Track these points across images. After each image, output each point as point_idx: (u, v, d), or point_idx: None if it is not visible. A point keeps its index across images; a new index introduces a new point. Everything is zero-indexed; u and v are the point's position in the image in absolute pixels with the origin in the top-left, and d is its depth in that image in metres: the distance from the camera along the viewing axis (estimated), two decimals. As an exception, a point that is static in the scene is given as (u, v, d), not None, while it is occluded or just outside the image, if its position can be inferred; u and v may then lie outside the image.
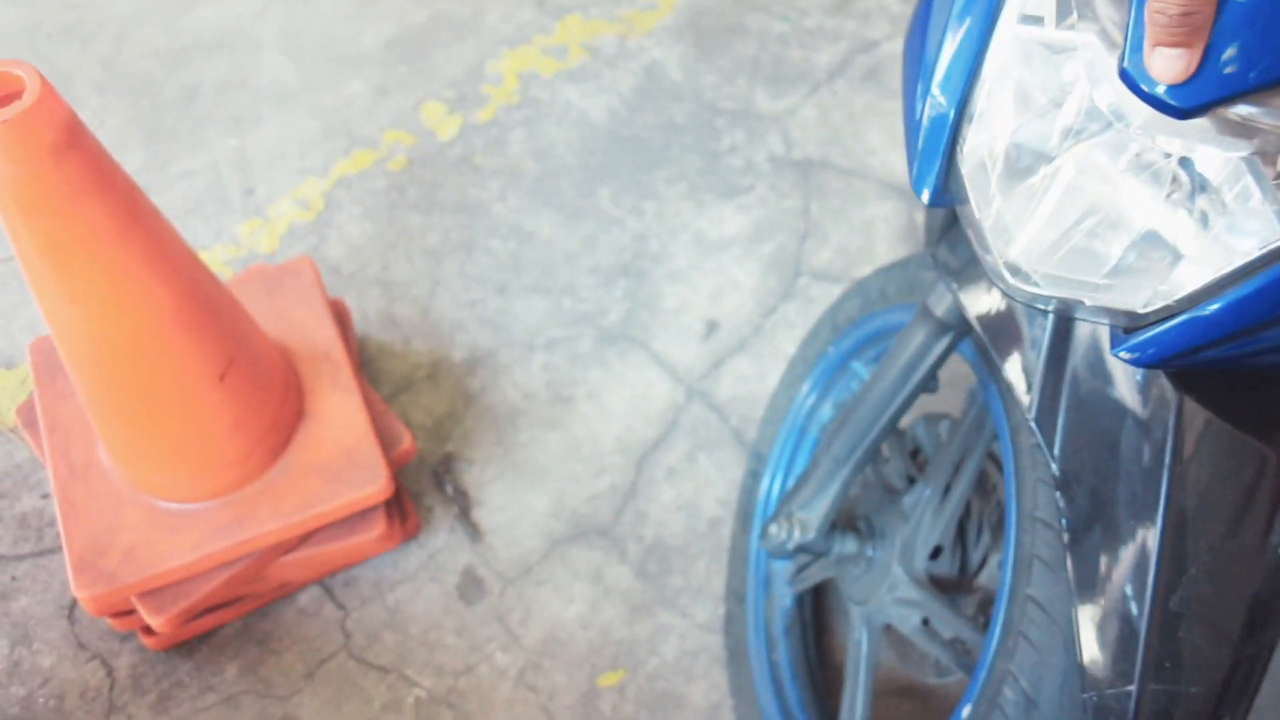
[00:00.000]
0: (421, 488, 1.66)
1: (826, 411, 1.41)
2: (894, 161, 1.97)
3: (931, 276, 1.17)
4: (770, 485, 1.45)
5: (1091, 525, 0.84)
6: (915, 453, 1.36)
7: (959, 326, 1.01)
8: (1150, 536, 0.79)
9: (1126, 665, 0.82)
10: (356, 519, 1.50)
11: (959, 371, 1.66)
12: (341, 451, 1.46)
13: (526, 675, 1.50)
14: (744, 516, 1.49)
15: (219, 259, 1.94)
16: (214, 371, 1.33)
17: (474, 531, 1.62)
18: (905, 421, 1.43)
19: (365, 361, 1.78)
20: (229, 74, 2.18)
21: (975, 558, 1.22)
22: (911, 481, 1.27)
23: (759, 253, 1.86)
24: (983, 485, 1.23)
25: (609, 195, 1.95)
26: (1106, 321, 0.76)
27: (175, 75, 2.17)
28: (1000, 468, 1.23)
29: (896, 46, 2.14)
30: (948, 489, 1.18)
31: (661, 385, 1.73)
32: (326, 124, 2.13)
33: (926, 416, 1.33)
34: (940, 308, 1.01)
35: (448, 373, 1.76)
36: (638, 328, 1.79)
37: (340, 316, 1.68)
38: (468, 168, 2.02)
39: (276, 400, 1.44)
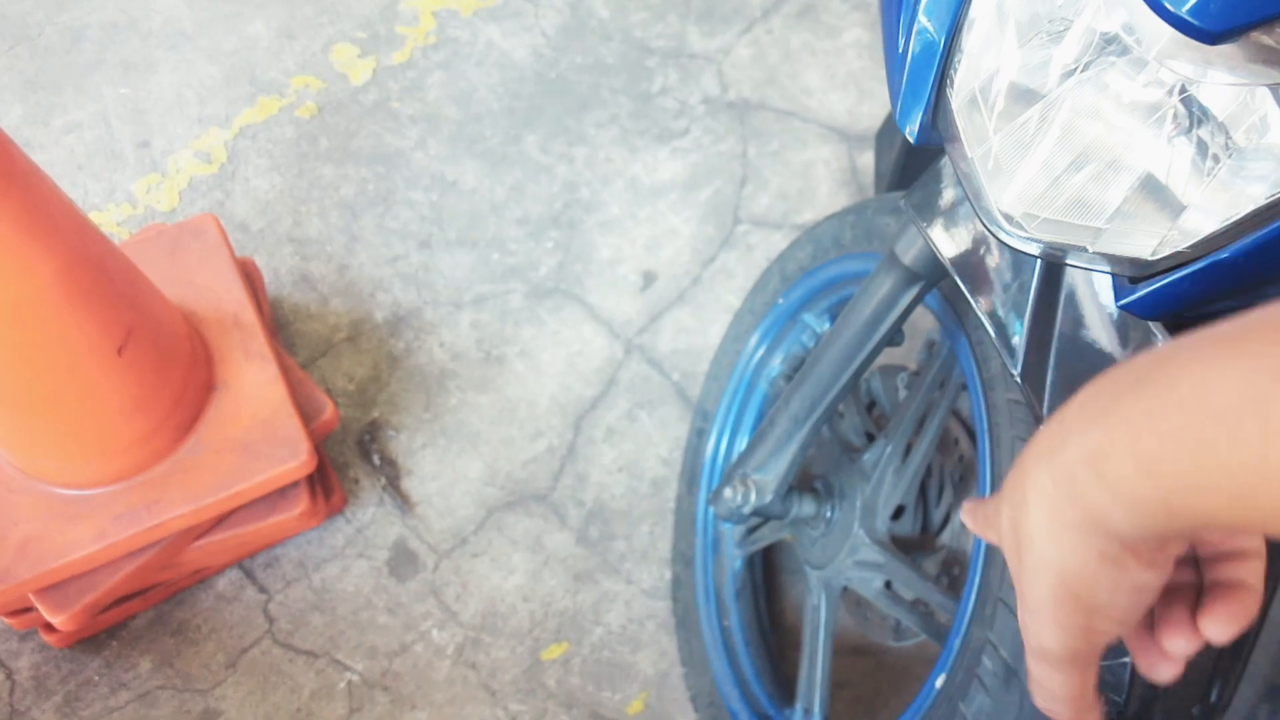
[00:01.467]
0: (346, 458, 1.55)
1: (776, 365, 1.34)
2: (833, 102, 1.90)
3: (899, 222, 1.10)
4: (717, 443, 1.38)
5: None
6: (870, 406, 1.30)
7: (929, 275, 0.95)
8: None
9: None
10: (276, 496, 1.39)
11: (913, 322, 1.60)
12: (258, 425, 1.35)
13: (466, 652, 1.42)
14: (690, 477, 1.42)
15: (113, 220, 1.79)
16: (110, 345, 1.20)
17: (404, 503, 1.52)
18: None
19: (280, 325, 1.66)
20: (116, 15, 2.00)
21: (937, 516, 1.17)
22: (870, 438, 1.22)
23: (696, 199, 1.78)
24: (944, 440, 1.18)
25: (536, 141, 1.84)
26: (1109, 270, 0.70)
27: (56, 17, 1.98)
28: (962, 422, 1.18)
29: (830, -19, 2.06)
30: (909, 446, 1.12)
31: (598, 341, 1.64)
32: (227, 69, 1.97)
33: (883, 369, 1.27)
34: (909, 255, 0.94)
35: (369, 334, 1.65)
36: (571, 281, 1.70)
37: (250, 278, 1.56)
38: (384, 114, 1.89)
39: (183, 372, 1.32)
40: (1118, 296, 0.69)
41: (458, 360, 1.63)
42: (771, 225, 1.75)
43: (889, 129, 1.31)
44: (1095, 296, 0.73)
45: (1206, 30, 0.54)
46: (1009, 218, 0.70)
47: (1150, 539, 0.44)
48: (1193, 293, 0.66)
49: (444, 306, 1.68)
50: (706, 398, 1.42)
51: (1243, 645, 0.79)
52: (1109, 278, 0.73)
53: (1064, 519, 0.45)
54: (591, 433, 1.57)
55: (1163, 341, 0.73)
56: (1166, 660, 0.52)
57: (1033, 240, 0.70)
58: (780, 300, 1.31)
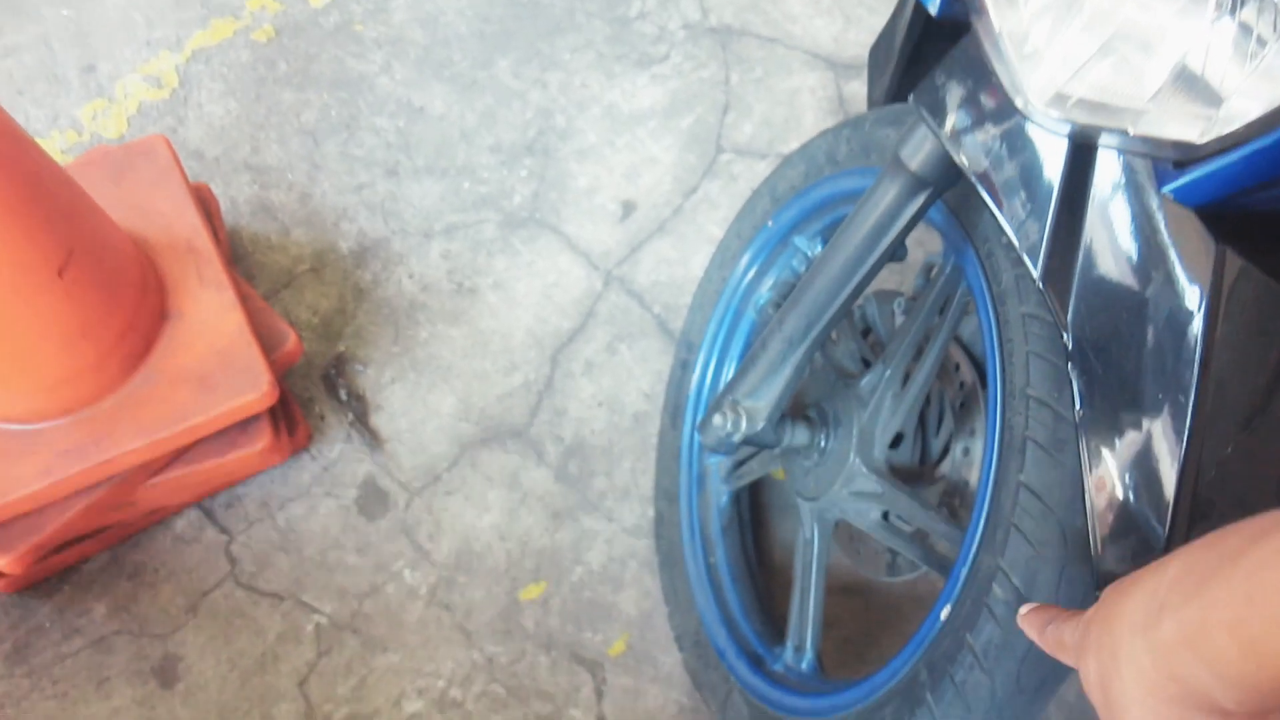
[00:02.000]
0: (311, 394, 1.48)
1: (765, 292, 1.28)
2: (818, 29, 1.82)
3: (905, 126, 1.04)
4: (703, 375, 1.32)
5: (1109, 400, 0.73)
6: (865, 333, 1.24)
7: (937, 181, 0.88)
8: (1182, 411, 0.69)
9: (1149, 559, 0.72)
10: (236, 431, 1.32)
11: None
12: (214, 355, 1.27)
13: (439, 593, 1.36)
14: (674, 410, 1.36)
15: (57, 147, 1.68)
16: (49, 266, 1.12)
17: (373, 439, 1.45)
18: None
19: (238, 256, 1.57)
20: (56, -73, 1.87)
21: (937, 445, 1.12)
22: (866, 364, 1.16)
23: (677, 127, 1.70)
24: (944, 367, 1.12)
25: (508, 66, 1.75)
26: (1151, 154, 0.64)
27: (-10, -72, 1.86)
28: (964, 348, 1.12)
29: (813, -97, 1.97)
30: (908, 372, 1.06)
31: (575, 272, 1.57)
32: (177, -12, 1.86)
33: (879, 294, 1.22)
34: (916, 159, 0.87)
35: (334, 265, 1.57)
36: (547, 210, 1.62)
37: (205, 203, 1.47)
38: (346, 37, 1.79)
39: (132, 299, 1.23)
40: (1161, 182, 0.63)
41: (428, 292, 1.55)
42: (756, 154, 1.68)
43: (884, 43, 1.24)
44: (1133, 186, 0.67)
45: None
46: (1044, 98, 0.63)
47: (1254, 712, 0.44)
48: (1243, 176, 0.61)
49: (413, 236, 1.59)
50: (691, 328, 1.36)
51: None
52: (1144, 169, 0.67)
53: (1163, 694, 0.46)
54: (569, 366, 1.51)
55: (1203, 241, 0.67)
56: None
57: (1067, 122, 0.64)
58: (770, 223, 1.25)
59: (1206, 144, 0.60)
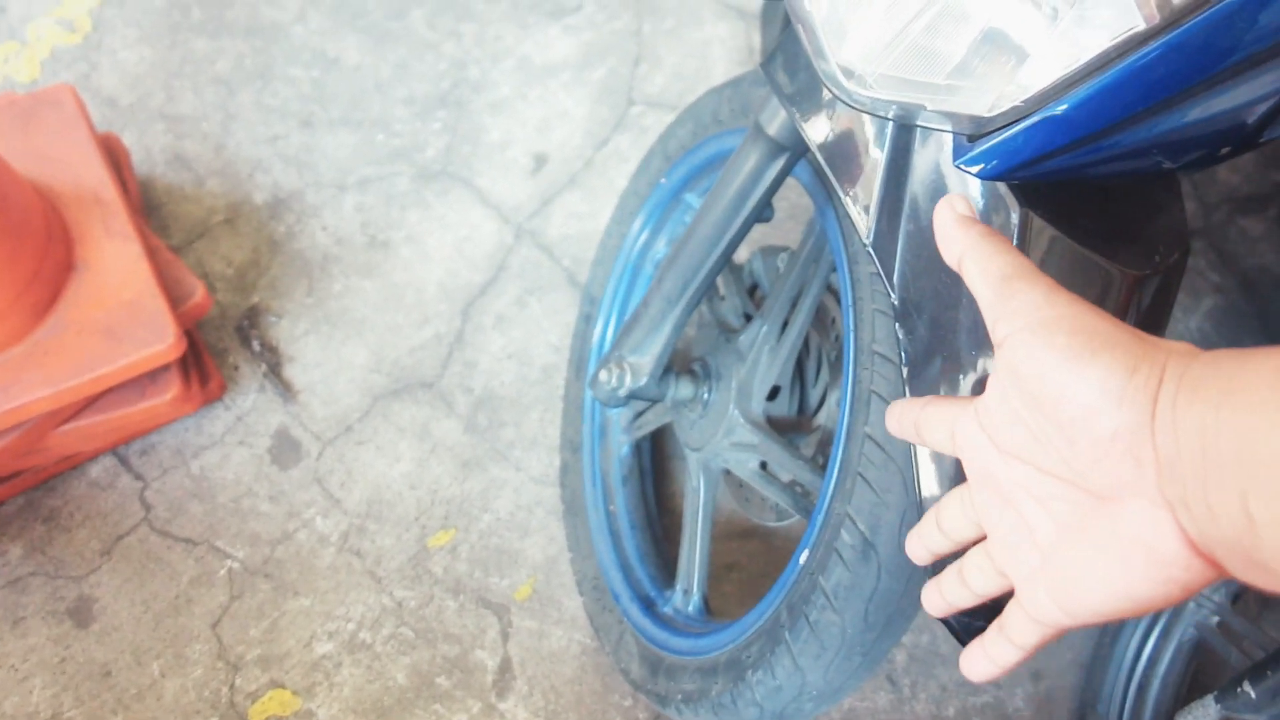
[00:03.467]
0: (225, 345, 1.50)
1: (661, 248, 1.31)
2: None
3: (764, 93, 1.07)
4: (604, 329, 1.36)
5: (931, 356, 0.78)
6: (753, 289, 1.29)
7: (795, 146, 0.92)
8: (992, 365, 0.74)
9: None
10: (146, 381, 1.35)
11: (799, 203, 1.59)
12: (121, 306, 1.29)
13: (350, 540, 1.41)
14: (578, 363, 1.40)
15: (-32, 91, 1.68)
16: (-51, 218, 1.13)
17: (286, 390, 1.48)
18: (741, 255, 1.36)
19: (152, 206, 1.58)
20: None
21: (814, 396, 1.17)
22: (749, 319, 1.20)
23: (589, 79, 1.72)
24: (821, 320, 1.17)
25: (422, 16, 1.76)
26: (949, 129, 0.68)
27: None
28: (840, 300, 1.17)
29: None
30: (785, 325, 1.11)
31: (487, 226, 1.60)
32: (92, -68, 1.84)
33: (764, 249, 1.26)
34: (774, 126, 0.91)
35: (248, 217, 1.58)
36: (459, 163, 1.64)
37: (113, 153, 1.47)
38: (262, -16, 1.78)
39: (36, 249, 1.25)
40: (956, 156, 0.67)
41: (341, 245, 1.57)
42: (667, 106, 1.70)
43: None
44: (938, 160, 0.71)
45: None
46: (848, 74, 0.67)
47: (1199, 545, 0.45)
48: (1029, 148, 0.65)
49: (327, 189, 1.61)
50: (593, 282, 1.40)
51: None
52: (950, 140, 0.71)
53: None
54: (480, 319, 1.54)
55: (1010, 209, 0.71)
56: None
57: (874, 100, 0.68)
58: (663, 180, 1.28)
59: (995, 117, 0.64)
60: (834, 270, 1.10)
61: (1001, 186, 0.71)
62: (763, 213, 0.99)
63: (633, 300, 1.35)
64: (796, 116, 0.82)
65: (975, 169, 0.66)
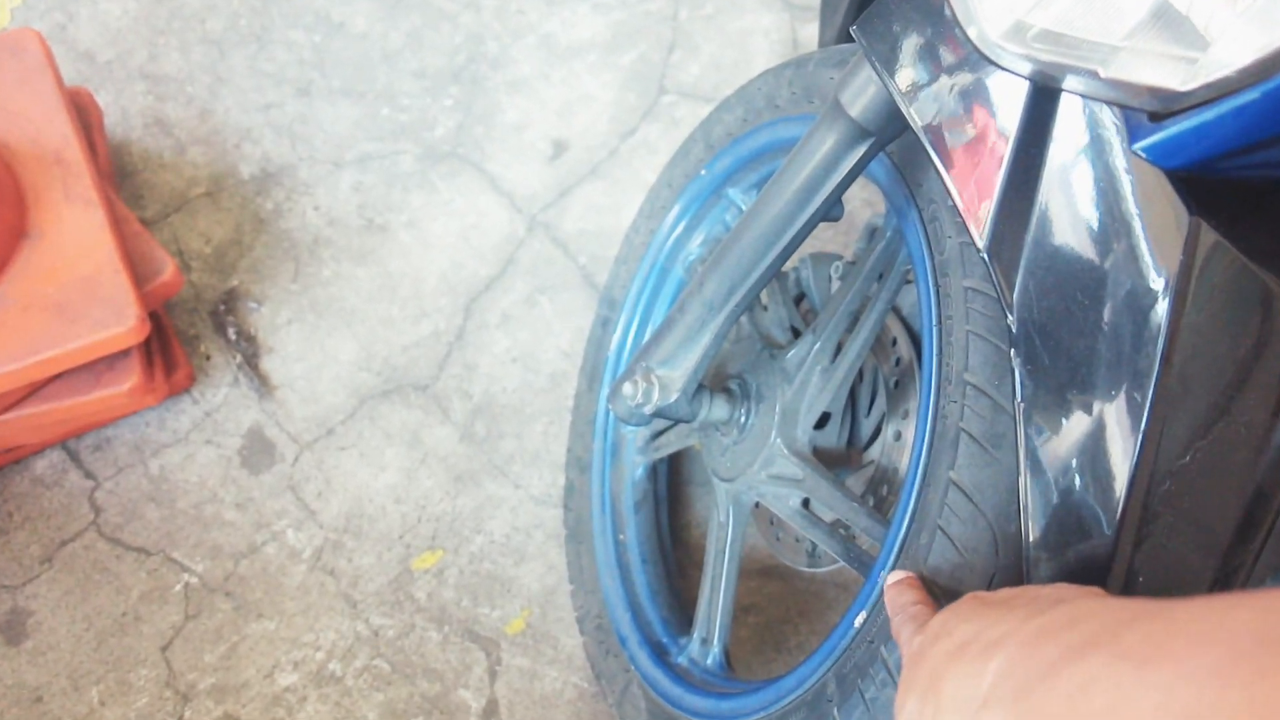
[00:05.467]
0: (197, 330, 1.35)
1: (695, 248, 1.16)
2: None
3: (843, 71, 0.92)
4: (624, 336, 1.21)
5: (1055, 393, 0.63)
6: (799, 300, 1.14)
7: (879, 131, 0.77)
8: (1138, 409, 0.59)
9: (1089, 577, 0.62)
10: (103, 367, 1.19)
11: (850, 210, 1.44)
12: (77, 281, 1.13)
13: (325, 557, 1.25)
14: (591, 372, 1.25)
15: (-67, 36, 1.52)
16: (-121, 167, 0.98)
17: (262, 384, 1.32)
18: (788, 262, 1.20)
19: (125, 173, 1.43)
20: None
21: (867, 428, 1.02)
22: (795, 334, 1.05)
23: (618, 63, 1.57)
24: (880, 341, 1.02)
25: (440, -16, 1.61)
26: (1123, 103, 0.53)
27: None
28: (903, 321, 1.02)
29: None
30: (840, 345, 0.96)
31: (497, 214, 1.44)
32: (82, -126, 1.68)
33: (815, 257, 1.11)
34: (857, 105, 0.76)
35: (233, 191, 1.43)
36: (470, 145, 1.49)
37: (83, 110, 1.32)
38: (264, -60, 1.63)
39: (-17, 212, 1.09)
40: (1133, 138, 0.53)
41: (334, 226, 1.42)
42: (701, 98, 1.55)
43: (841, -21, 1.12)
44: (1099, 143, 0.56)
45: None
46: (1001, 28, 0.52)
47: None
48: (1231, 135, 0.50)
49: (322, 164, 1.46)
50: (614, 283, 1.24)
51: (1229, 589, 0.65)
52: (1114, 121, 0.56)
53: None
54: (484, 317, 1.38)
55: (1176, 210, 0.56)
56: None
57: (1028, 60, 0.53)
58: (703, 172, 1.13)
59: (1192, 91, 0.49)
60: (904, 285, 0.95)
61: (1168, 184, 0.56)
62: (832, 210, 0.84)
63: (657, 305, 1.20)
64: (896, 89, 0.67)
65: (1158, 156, 0.52)
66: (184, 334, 1.34)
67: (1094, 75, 0.52)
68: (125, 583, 1.22)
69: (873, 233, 1.05)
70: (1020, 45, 0.52)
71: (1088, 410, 0.61)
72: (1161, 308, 0.58)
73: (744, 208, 1.11)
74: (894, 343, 1.01)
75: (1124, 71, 0.51)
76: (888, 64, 0.70)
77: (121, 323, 1.12)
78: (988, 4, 0.53)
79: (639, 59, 1.58)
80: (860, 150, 0.79)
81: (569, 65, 1.56)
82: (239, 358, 1.33)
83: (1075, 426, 0.62)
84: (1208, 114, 0.50)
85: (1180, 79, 0.50)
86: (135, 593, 1.21)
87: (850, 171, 0.80)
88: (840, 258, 1.09)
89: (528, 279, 1.41)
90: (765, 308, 1.09)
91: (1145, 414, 0.59)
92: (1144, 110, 0.52)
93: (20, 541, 1.22)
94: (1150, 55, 0.51)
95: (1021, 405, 0.63)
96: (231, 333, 1.34)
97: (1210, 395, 0.60)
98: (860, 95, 0.76)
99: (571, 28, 1.59)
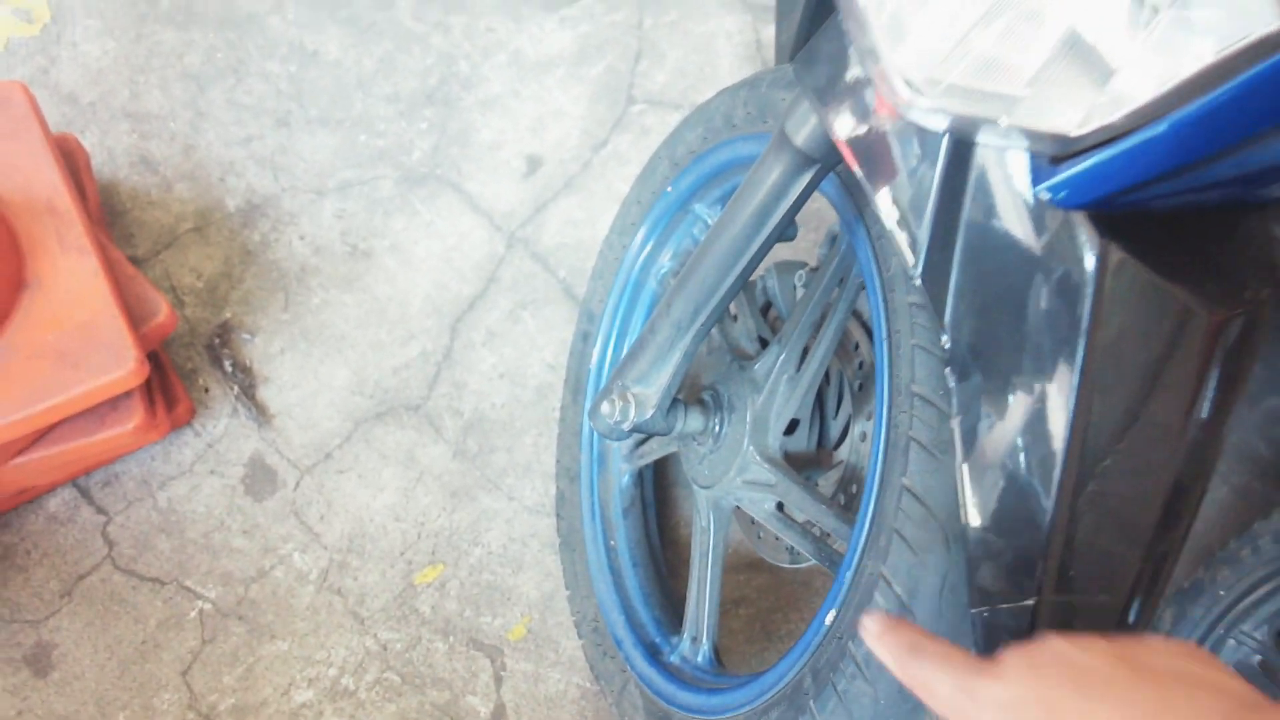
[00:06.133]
0: (194, 364, 1.39)
1: (665, 262, 1.21)
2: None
3: (791, 96, 0.97)
4: (604, 348, 1.26)
5: (987, 404, 0.67)
6: (766, 308, 1.18)
7: (824, 158, 0.81)
8: (1060, 419, 0.63)
9: (1025, 576, 0.67)
10: (106, 408, 1.24)
11: (813, 208, 1.48)
12: (77, 328, 1.18)
13: (331, 577, 1.30)
14: (575, 384, 1.29)
15: (-80, 89, 1.56)
16: (-120, 235, 1.02)
17: (260, 414, 1.37)
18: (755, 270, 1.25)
19: (115, 213, 1.47)
20: None
21: (835, 429, 1.07)
22: (764, 344, 1.10)
23: (586, 75, 1.61)
24: (844, 346, 1.07)
25: (408, 7, 1.64)
26: (1025, 147, 0.57)
27: None
28: (864, 324, 1.06)
29: None
30: (805, 352, 1.00)
31: (477, 233, 1.49)
32: (53, -83, 1.72)
33: (779, 265, 1.15)
34: (801, 134, 0.80)
35: (220, 225, 1.47)
36: (447, 166, 1.53)
37: (70, 156, 1.36)
38: (235, -27, 1.67)
39: (-18, 268, 1.14)
40: (1036, 180, 0.57)
41: (320, 254, 1.46)
42: (669, 105, 1.59)
43: (792, -8, 1.16)
44: (1009, 183, 0.61)
45: None
46: (909, 84, 0.56)
47: None
48: (1124, 174, 0.55)
49: (304, 194, 1.50)
50: (592, 297, 1.29)
51: (1158, 576, 0.71)
52: (1026, 161, 0.61)
53: None
54: (470, 335, 1.43)
55: (1087, 239, 0.61)
56: None
57: (937, 112, 0.57)
58: (669, 189, 1.17)
59: (1084, 136, 0.54)
60: (862, 291, 0.99)
61: (1076, 215, 0.61)
62: (785, 231, 0.88)
63: (634, 318, 1.25)
64: (831, 124, 0.72)
65: (1058, 196, 0.56)
66: (182, 368, 1.39)
67: (996, 124, 0.56)
68: (143, 612, 1.27)
69: (833, 239, 1.09)
70: (925, 99, 0.56)
71: (1017, 420, 0.66)
72: (1079, 326, 0.63)
73: (709, 221, 1.16)
74: (855, 347, 1.05)
75: (1024, 119, 0.55)
76: (823, 99, 0.74)
77: (121, 366, 1.17)
78: (897, 55, 0.57)
79: (607, 70, 1.62)
80: (807, 177, 0.83)
81: (539, 80, 1.60)
82: (236, 389, 1.38)
83: (1005, 436, 0.66)
84: (1102, 155, 0.55)
85: (1073, 124, 0.54)
86: (153, 621, 1.27)
87: (799, 196, 0.84)
88: (804, 265, 1.14)
89: (510, 295, 1.45)
90: (734, 318, 1.13)
91: (1068, 423, 0.64)
92: (1045, 154, 0.57)
93: (40, 577, 1.28)
94: (1048, 102, 0.55)
95: (956, 418, 0.68)
96: (228, 364, 1.39)
97: (1128, 401, 0.65)
98: (803, 126, 0.80)
99: (539, 43, 1.63)
